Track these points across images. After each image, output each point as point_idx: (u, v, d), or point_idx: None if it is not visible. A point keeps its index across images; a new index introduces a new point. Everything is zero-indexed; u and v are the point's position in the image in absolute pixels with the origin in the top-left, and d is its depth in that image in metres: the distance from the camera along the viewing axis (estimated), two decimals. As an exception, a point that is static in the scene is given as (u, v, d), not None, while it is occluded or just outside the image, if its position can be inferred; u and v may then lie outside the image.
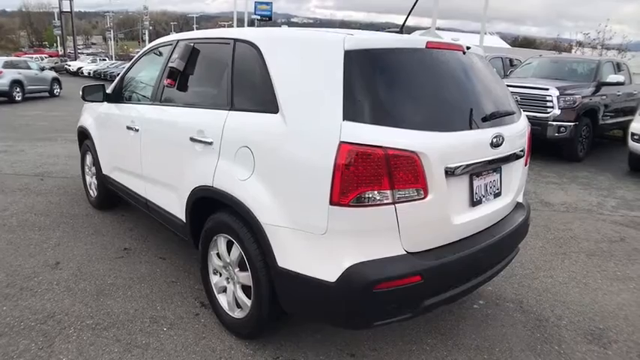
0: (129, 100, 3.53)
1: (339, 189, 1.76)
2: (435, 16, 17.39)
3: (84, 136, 4.41)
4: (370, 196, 1.77)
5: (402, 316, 1.94)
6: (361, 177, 1.75)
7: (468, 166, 2.05)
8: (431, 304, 2.00)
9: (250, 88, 2.27)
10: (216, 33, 2.70)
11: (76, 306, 2.72)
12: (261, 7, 30.01)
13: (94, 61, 35.37)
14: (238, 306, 2.39)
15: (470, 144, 2.07)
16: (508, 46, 45.76)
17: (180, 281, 3.05)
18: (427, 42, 2.11)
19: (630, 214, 5.06)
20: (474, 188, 2.17)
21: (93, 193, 4.42)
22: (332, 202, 1.78)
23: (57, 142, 7.83)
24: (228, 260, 2.38)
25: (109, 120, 3.69)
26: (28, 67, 15.20)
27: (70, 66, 34.47)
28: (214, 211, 2.44)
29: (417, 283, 1.87)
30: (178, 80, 2.77)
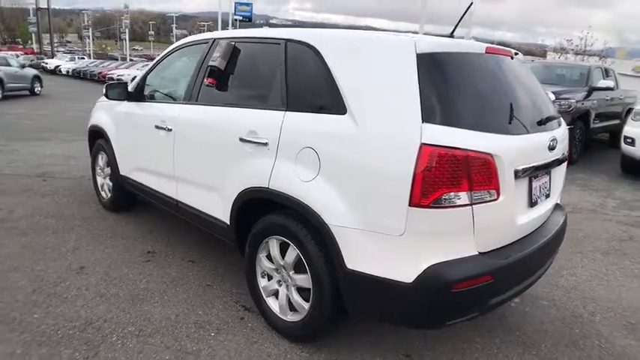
0: (155, 99, 3.43)
1: (420, 190, 1.75)
2: (423, 21, 17.67)
3: (96, 135, 4.27)
4: (450, 197, 1.77)
5: (470, 315, 1.95)
6: (442, 178, 1.75)
7: (531, 168, 2.08)
8: (495, 302, 2.02)
9: (309, 89, 2.24)
10: (262, 32, 2.66)
11: (112, 312, 2.62)
12: (241, 7, 29.92)
13: (72, 60, 34.32)
14: (291, 309, 2.36)
15: (533, 147, 2.11)
16: None
17: (216, 285, 2.98)
18: (486, 47, 2.14)
19: (632, 214, 5.24)
20: (533, 189, 2.20)
21: (106, 194, 4.28)
22: (412, 204, 1.77)
23: (51, 142, 7.56)
24: (281, 263, 2.34)
25: (132, 119, 3.58)
26: (8, 64, 14.61)
27: (47, 64, 33.33)
28: (265, 212, 2.40)
29: (488, 282, 1.89)
30: (220, 79, 2.71)
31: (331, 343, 2.37)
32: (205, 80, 2.75)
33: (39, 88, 16.17)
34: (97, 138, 4.26)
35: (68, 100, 15.49)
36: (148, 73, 3.57)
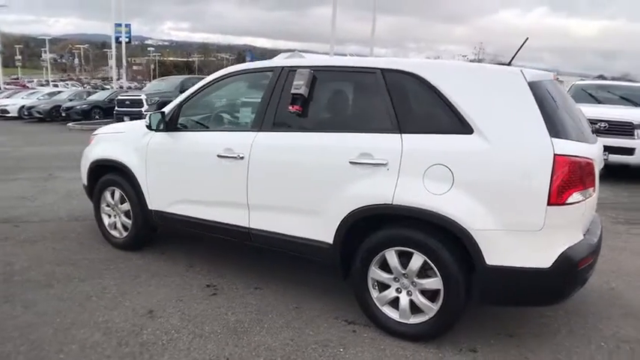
0: (204, 128, 3.36)
1: (557, 192, 2.17)
2: (332, 42, 18.85)
3: (103, 170, 3.95)
4: (575, 195, 2.23)
5: (579, 288, 2.42)
6: (570, 181, 2.20)
7: (601, 170, 2.65)
8: (588, 278, 2.52)
9: (422, 113, 2.53)
10: (346, 62, 2.87)
11: (227, 349, 2.55)
12: (119, 29, 28.66)
13: None
14: (413, 312, 2.58)
15: (599, 154, 2.68)
16: None
17: (304, 306, 3.03)
18: (552, 74, 2.68)
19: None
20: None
21: (120, 233, 3.94)
22: (549, 203, 2.18)
23: (7, 182, 6.49)
24: (403, 271, 2.56)
25: (173, 150, 3.43)
26: None
27: None
28: (373, 229, 2.60)
29: (592, 260, 2.39)
30: (305, 107, 2.84)
31: (449, 337, 2.64)
32: (290, 108, 2.86)
33: None
34: (104, 173, 3.94)
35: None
36: (183, 102, 3.47)
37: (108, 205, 4.00)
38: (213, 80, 3.41)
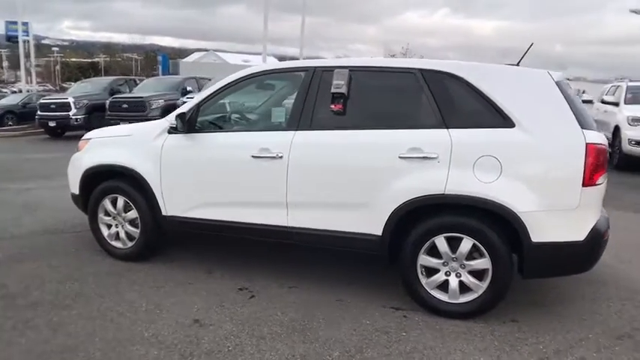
0: (230, 128, 3.27)
1: (589, 175, 2.54)
2: (265, 42, 18.81)
3: (101, 177, 3.66)
4: (601, 177, 2.62)
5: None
6: (598, 165, 2.58)
7: None
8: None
9: (464, 109, 2.77)
10: (383, 62, 3.03)
11: (298, 347, 2.56)
12: (12, 27, 25.91)
13: None
14: (461, 292, 2.81)
15: None
16: None
17: (346, 298, 3.11)
18: (562, 74, 3.07)
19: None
20: None
21: (124, 243, 3.68)
22: (584, 185, 2.55)
23: None
24: (452, 255, 2.78)
25: (197, 152, 3.29)
26: None
27: None
28: (421, 218, 2.80)
29: (609, 232, 2.82)
30: (345, 105, 2.95)
31: (490, 314, 2.92)
32: (333, 107, 2.94)
33: None
34: (101, 180, 3.65)
35: None
36: (202, 102, 3.35)
37: (107, 215, 3.71)
38: (236, 80, 3.34)
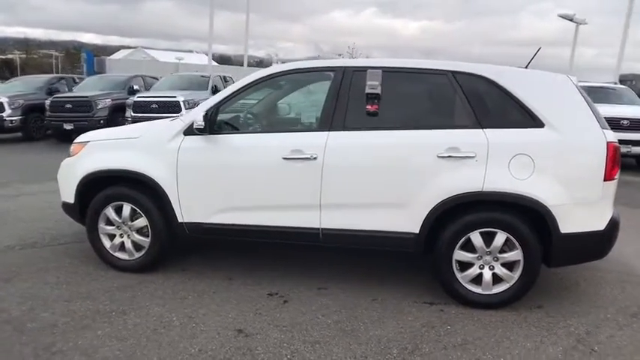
0: (253, 129, 3.14)
1: (609, 170, 2.80)
2: (210, 41, 18.22)
3: (103, 183, 3.35)
4: (617, 172, 2.89)
5: None
6: (615, 161, 2.85)
7: None
8: None
9: (496, 110, 2.91)
10: (415, 64, 3.07)
11: (355, 349, 2.55)
12: None
13: None
14: (494, 283, 2.97)
15: None
16: (216, 64, 46.51)
17: (380, 297, 3.14)
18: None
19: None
20: None
21: (130, 254, 3.40)
22: (605, 179, 2.80)
23: None
24: (487, 249, 2.92)
25: (219, 154, 3.12)
26: None
27: None
28: (457, 215, 2.92)
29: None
30: (380, 106, 2.97)
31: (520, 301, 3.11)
32: (369, 107, 2.94)
33: None
34: (103, 187, 3.35)
35: None
36: (221, 103, 3.19)
37: (110, 224, 3.40)
38: (257, 80, 3.22)
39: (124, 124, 10.71)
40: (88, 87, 11.66)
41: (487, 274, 2.98)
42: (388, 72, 3.05)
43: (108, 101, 10.42)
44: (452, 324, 2.84)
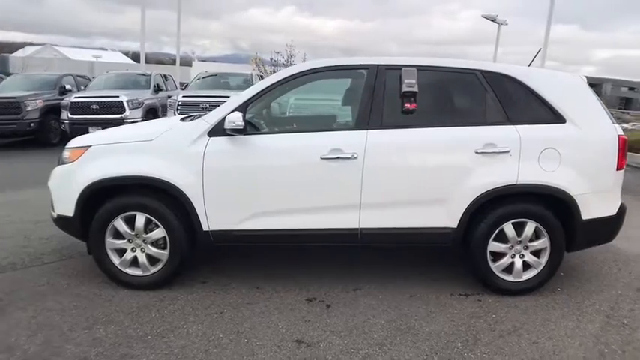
0: (287, 129, 2.98)
1: (620, 160, 3.10)
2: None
3: (108, 193, 2.98)
4: (624, 163, 3.21)
5: None
6: (624, 153, 3.15)
7: None
8: None
9: (523, 107, 3.06)
10: (445, 62, 3.12)
11: (423, 346, 2.55)
12: None
13: None
14: (523, 270, 3.14)
15: None
16: (133, 62, 43.38)
17: (416, 293, 3.16)
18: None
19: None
20: None
21: (144, 269, 3.06)
22: (617, 169, 3.10)
23: None
24: (519, 238, 3.07)
25: (252, 156, 2.91)
26: None
27: None
28: (491, 208, 3.04)
29: None
30: (417, 104, 2.99)
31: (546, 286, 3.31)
32: (408, 105, 2.94)
33: None
34: (108, 197, 2.98)
35: None
36: (249, 102, 2.99)
37: (120, 237, 3.03)
38: (286, 78, 3.06)
39: (59, 128, 9.75)
40: (13, 87, 10.15)
41: (518, 263, 3.14)
42: (421, 70, 3.08)
43: (39, 102, 9.23)
44: (495, 312, 2.95)
